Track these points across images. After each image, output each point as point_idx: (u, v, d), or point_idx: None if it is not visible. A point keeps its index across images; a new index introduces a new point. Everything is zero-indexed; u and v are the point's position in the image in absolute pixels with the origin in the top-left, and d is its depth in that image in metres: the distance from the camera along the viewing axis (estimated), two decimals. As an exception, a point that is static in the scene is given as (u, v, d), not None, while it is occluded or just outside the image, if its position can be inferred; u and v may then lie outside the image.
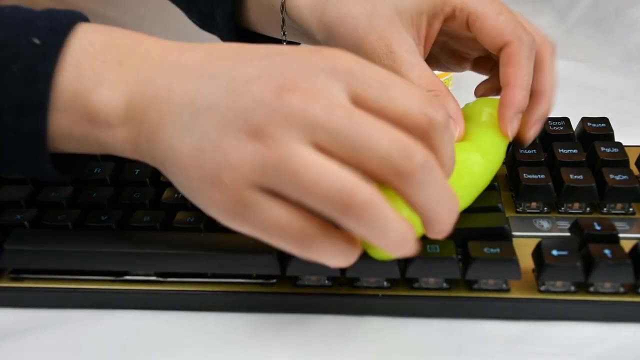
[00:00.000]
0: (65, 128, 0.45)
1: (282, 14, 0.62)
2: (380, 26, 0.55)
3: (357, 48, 0.55)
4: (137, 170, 0.56)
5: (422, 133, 0.40)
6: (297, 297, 0.49)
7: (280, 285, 0.49)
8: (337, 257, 0.41)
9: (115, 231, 0.52)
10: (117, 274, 0.50)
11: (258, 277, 0.49)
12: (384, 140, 0.39)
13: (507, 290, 0.48)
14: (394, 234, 0.39)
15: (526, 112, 0.55)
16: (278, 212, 0.40)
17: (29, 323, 0.49)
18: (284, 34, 0.64)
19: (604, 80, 0.84)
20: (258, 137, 0.39)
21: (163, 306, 0.50)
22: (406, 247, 0.40)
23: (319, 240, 0.40)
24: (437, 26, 0.56)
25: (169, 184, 0.55)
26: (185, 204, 0.53)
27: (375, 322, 0.48)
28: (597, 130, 0.61)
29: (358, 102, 0.40)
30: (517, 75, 0.53)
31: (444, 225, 0.41)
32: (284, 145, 0.39)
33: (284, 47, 0.44)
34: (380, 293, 0.48)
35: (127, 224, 0.52)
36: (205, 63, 0.43)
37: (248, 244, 0.49)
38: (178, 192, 0.53)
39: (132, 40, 0.46)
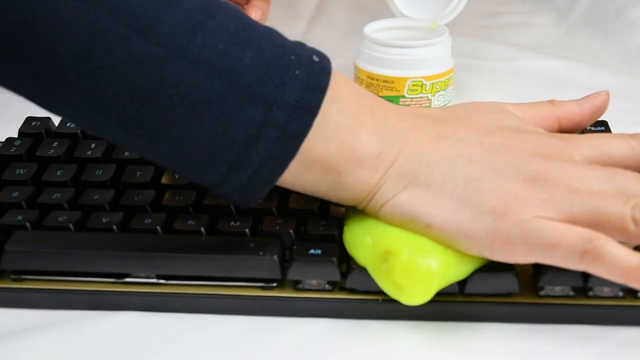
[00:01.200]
0: (324, 157, 0.47)
1: None
2: None
3: None
4: (139, 173, 0.56)
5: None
6: (297, 301, 0.49)
7: (281, 289, 0.49)
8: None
9: (116, 233, 0.52)
10: (118, 276, 0.50)
11: (258, 280, 0.49)
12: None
13: (507, 296, 0.48)
14: None
15: None
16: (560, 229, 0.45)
17: (30, 324, 0.49)
18: None
19: (604, 80, 0.84)
20: (536, 181, 0.46)
21: (164, 308, 0.50)
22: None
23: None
24: None
25: (170, 187, 0.55)
26: (186, 207, 0.53)
27: (375, 326, 0.49)
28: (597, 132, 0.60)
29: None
30: None
31: None
32: (564, 185, 0.46)
33: (513, 122, 0.52)
34: (381, 298, 0.48)
35: (128, 226, 0.52)
36: (439, 128, 0.50)
37: (249, 248, 0.49)
38: (179, 195, 0.54)
39: (373, 97, 0.50)
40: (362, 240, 0.48)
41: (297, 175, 0.47)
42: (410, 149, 0.48)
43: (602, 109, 0.56)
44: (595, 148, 0.49)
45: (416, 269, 0.45)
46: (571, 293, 0.48)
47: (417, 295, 0.46)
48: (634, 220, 0.44)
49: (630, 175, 0.47)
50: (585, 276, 0.47)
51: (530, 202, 0.45)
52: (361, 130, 0.47)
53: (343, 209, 0.53)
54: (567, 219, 0.45)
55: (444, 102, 0.75)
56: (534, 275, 0.49)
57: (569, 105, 0.55)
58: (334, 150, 0.47)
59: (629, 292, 0.48)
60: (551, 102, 0.56)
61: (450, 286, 0.47)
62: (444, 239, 0.47)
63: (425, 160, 0.48)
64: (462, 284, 0.48)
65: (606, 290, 0.48)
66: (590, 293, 0.48)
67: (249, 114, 0.45)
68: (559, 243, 0.44)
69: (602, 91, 0.56)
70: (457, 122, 0.50)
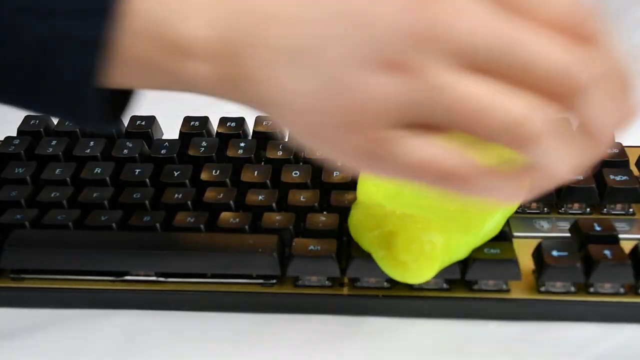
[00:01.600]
0: (140, 55, 0.38)
1: None
2: None
3: None
4: (138, 171, 0.56)
5: (586, 34, 0.35)
6: (297, 297, 0.49)
7: (281, 285, 0.49)
8: (502, 192, 0.37)
9: (116, 231, 0.52)
10: (118, 274, 0.50)
11: (258, 277, 0.49)
12: (552, 53, 0.34)
13: (507, 291, 0.48)
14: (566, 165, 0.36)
15: None
16: (428, 149, 0.35)
17: (29, 323, 0.49)
18: None
19: (604, 80, 0.84)
20: (398, 68, 0.34)
21: (163, 306, 0.50)
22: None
23: (476, 177, 0.36)
24: None
25: (169, 184, 0.55)
26: (185, 204, 0.53)
27: (375, 323, 0.48)
28: (597, 131, 0.60)
29: (505, 8, 0.34)
30: None
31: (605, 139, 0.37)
32: (434, 74, 0.34)
33: None
34: (381, 294, 0.48)
35: (128, 224, 0.52)
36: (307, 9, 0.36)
37: (248, 244, 0.49)
38: (178, 192, 0.54)
39: None
40: (367, 225, 0.48)
41: (128, 84, 0.40)
42: (266, 27, 0.37)
43: None
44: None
45: (419, 243, 0.45)
46: (572, 289, 0.48)
47: (421, 271, 0.45)
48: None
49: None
50: (587, 272, 0.47)
51: (382, 100, 0.35)
52: (192, 16, 0.38)
53: (346, 198, 0.52)
54: (428, 114, 0.35)
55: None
56: (535, 271, 0.49)
57: None
58: (158, 44, 0.38)
59: (631, 289, 0.48)
60: None
61: (453, 272, 0.47)
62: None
63: (279, 44, 0.37)
64: (463, 271, 0.48)
65: (607, 287, 0.48)
66: (592, 289, 0.48)
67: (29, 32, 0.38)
68: (422, 166, 0.36)
69: None
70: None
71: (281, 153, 0.57)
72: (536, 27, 0.34)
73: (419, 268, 0.45)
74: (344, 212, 0.52)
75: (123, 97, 0.43)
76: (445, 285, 0.49)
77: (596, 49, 0.35)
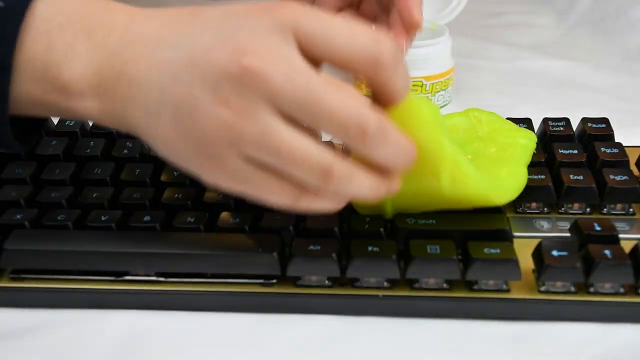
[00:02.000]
0: (34, 96, 0.46)
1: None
2: None
3: None
4: (138, 170, 0.56)
5: (372, 72, 0.43)
6: (297, 297, 0.49)
7: (281, 285, 0.49)
8: (328, 206, 0.45)
9: (116, 231, 0.52)
10: (117, 274, 0.50)
11: (258, 277, 0.49)
12: (341, 110, 0.42)
13: (508, 291, 0.48)
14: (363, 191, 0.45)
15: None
16: (268, 179, 0.43)
17: (29, 323, 0.49)
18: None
19: (604, 80, 0.84)
20: (229, 106, 0.41)
21: (163, 306, 0.50)
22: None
23: (311, 197, 0.44)
24: None
25: (169, 184, 0.55)
26: (185, 204, 0.53)
27: (375, 323, 0.48)
28: (597, 131, 0.60)
29: (307, 52, 0.42)
30: None
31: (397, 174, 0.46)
32: (259, 118, 0.41)
33: (236, 7, 0.44)
34: (381, 293, 0.48)
35: (127, 224, 0.52)
36: (166, 31, 0.45)
37: (248, 244, 0.49)
38: (178, 192, 0.54)
39: (99, 9, 0.46)
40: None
41: (31, 115, 0.48)
42: (131, 67, 0.44)
43: None
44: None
45: None
46: (572, 289, 0.48)
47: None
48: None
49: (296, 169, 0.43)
50: (587, 272, 0.47)
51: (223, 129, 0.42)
52: (73, 61, 0.45)
53: None
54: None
55: (444, 102, 0.75)
56: (535, 271, 0.49)
57: None
58: (48, 87, 0.46)
59: (631, 289, 0.48)
60: None
61: (453, 272, 0.47)
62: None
63: (141, 83, 0.44)
64: (463, 271, 0.48)
65: (607, 287, 0.48)
66: (592, 289, 0.48)
67: None
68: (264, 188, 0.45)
69: None
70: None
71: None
72: (333, 84, 0.42)
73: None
74: (344, 211, 0.52)
75: (33, 121, 0.50)
76: (445, 285, 0.49)
77: (380, 80, 0.44)
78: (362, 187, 0.44)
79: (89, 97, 0.45)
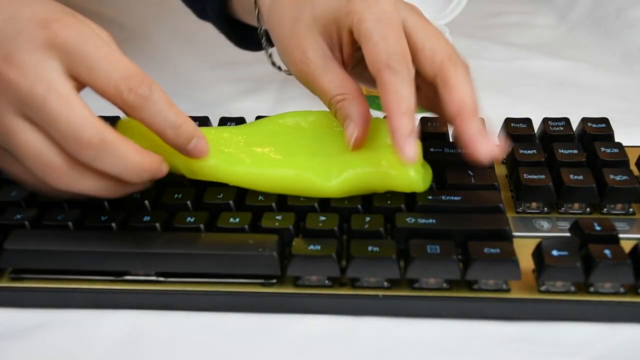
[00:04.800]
0: None
1: (255, 10, 0.64)
2: (299, 32, 0.57)
3: (283, 52, 0.58)
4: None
5: (127, 106, 0.48)
6: (297, 297, 0.49)
7: (281, 285, 0.49)
8: (95, 189, 0.49)
9: (116, 231, 0.52)
10: (117, 274, 0.50)
11: (258, 277, 0.49)
12: (84, 126, 0.46)
13: (507, 291, 0.48)
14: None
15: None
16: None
17: (29, 323, 0.49)
18: (260, 29, 0.66)
19: (604, 80, 0.84)
20: None
21: (163, 306, 0.50)
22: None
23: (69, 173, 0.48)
24: (346, 37, 0.56)
25: (169, 184, 0.55)
26: (185, 204, 0.53)
27: (375, 322, 0.48)
28: (597, 131, 0.60)
29: (72, 75, 0.47)
30: (391, 103, 0.51)
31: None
32: (6, 119, 0.47)
33: (25, 13, 0.48)
34: (381, 293, 0.48)
35: (128, 224, 0.52)
36: None
37: (248, 244, 0.49)
38: (178, 193, 0.54)
39: None
40: None
41: None
42: None
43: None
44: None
45: None
46: (572, 289, 0.48)
47: None
48: None
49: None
50: (587, 272, 0.47)
51: None
52: None
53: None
54: None
55: (444, 101, 0.75)
56: (535, 270, 0.49)
57: None
58: None
59: (631, 289, 0.48)
60: None
61: (453, 272, 0.48)
62: None
63: None
64: (463, 271, 0.48)
65: (607, 286, 0.48)
66: (592, 289, 0.48)
67: None
68: None
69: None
70: None
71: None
72: (79, 105, 0.47)
73: None
74: (345, 212, 0.52)
75: None
76: (445, 285, 0.49)
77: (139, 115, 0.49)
78: (88, 186, 0.49)
79: None
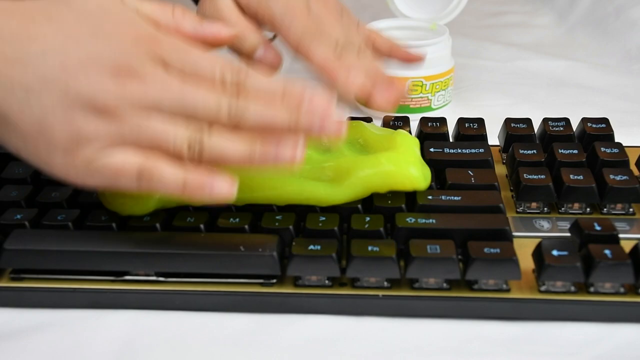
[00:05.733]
0: None
1: None
2: None
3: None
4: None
5: (232, 87, 0.47)
6: (297, 297, 0.49)
7: (281, 285, 0.49)
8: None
9: (116, 231, 0.52)
10: (117, 274, 0.50)
11: (258, 277, 0.49)
12: (208, 100, 0.46)
13: (508, 291, 0.48)
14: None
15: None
16: (118, 160, 0.46)
17: (29, 323, 0.49)
18: None
19: (604, 80, 0.84)
20: (107, 115, 0.46)
21: (163, 306, 0.50)
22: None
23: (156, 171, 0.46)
24: None
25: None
26: (185, 205, 0.53)
27: (375, 322, 0.48)
28: (597, 131, 0.61)
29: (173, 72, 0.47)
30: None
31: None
32: (133, 120, 0.46)
33: (109, 26, 0.48)
34: (381, 293, 0.48)
35: (127, 224, 0.52)
36: (31, 32, 0.47)
37: (248, 244, 0.49)
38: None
39: None
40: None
41: None
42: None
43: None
44: (180, 96, 0.47)
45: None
46: (572, 289, 0.48)
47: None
48: (189, 150, 0.46)
49: (204, 105, 0.47)
50: (587, 272, 0.47)
51: (97, 137, 0.46)
52: None
53: None
54: (132, 145, 0.46)
55: (444, 102, 0.75)
56: (535, 270, 0.49)
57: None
58: None
59: (631, 289, 0.48)
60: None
61: (453, 272, 0.48)
62: (37, 166, 0.48)
63: (1, 79, 0.46)
64: (463, 271, 0.48)
65: (607, 286, 0.48)
66: (592, 289, 0.48)
67: None
68: (118, 173, 0.46)
69: None
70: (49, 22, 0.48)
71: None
72: (199, 85, 0.47)
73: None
74: (345, 212, 0.52)
75: None
76: (445, 285, 0.49)
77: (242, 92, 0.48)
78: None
79: None
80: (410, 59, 0.70)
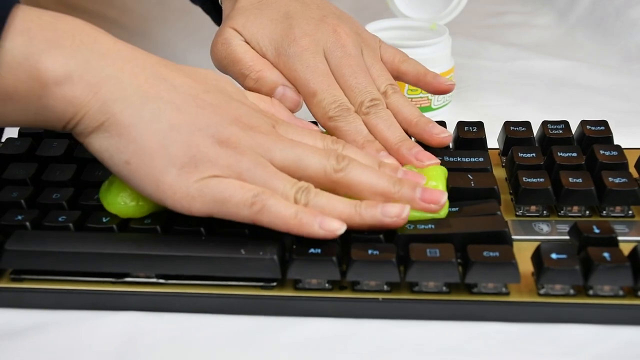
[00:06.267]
0: (10, 87, 0.47)
1: None
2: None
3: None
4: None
5: (334, 151, 0.53)
6: (297, 300, 0.49)
7: (281, 288, 0.49)
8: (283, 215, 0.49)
9: (116, 233, 0.52)
10: (118, 276, 0.50)
11: (259, 280, 0.49)
12: (317, 159, 0.51)
13: (507, 294, 0.48)
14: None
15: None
16: (234, 186, 0.49)
17: (29, 323, 0.49)
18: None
19: (604, 80, 0.84)
20: (229, 146, 0.50)
21: (163, 308, 0.50)
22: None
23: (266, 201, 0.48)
24: None
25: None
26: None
27: (375, 326, 0.49)
28: (596, 134, 0.61)
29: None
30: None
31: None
32: (252, 155, 0.50)
33: (234, 91, 0.55)
34: (381, 297, 0.49)
35: (128, 225, 0.52)
36: (160, 68, 0.52)
37: (249, 247, 0.49)
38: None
39: (78, 23, 0.50)
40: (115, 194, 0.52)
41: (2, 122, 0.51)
42: (121, 77, 0.50)
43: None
44: (293, 150, 0.52)
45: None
46: (571, 291, 0.48)
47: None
48: (295, 200, 0.49)
49: (313, 159, 0.51)
50: (586, 275, 0.47)
51: (216, 163, 0.49)
52: (56, 53, 0.48)
53: None
54: (245, 181, 0.49)
55: (444, 102, 0.75)
56: (535, 274, 0.49)
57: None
58: (25, 77, 0.47)
59: (630, 291, 0.48)
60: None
61: (452, 275, 0.48)
62: (137, 180, 0.50)
63: (135, 94, 0.50)
64: (463, 274, 0.48)
65: (606, 289, 0.48)
66: (591, 292, 0.48)
67: None
68: (231, 197, 0.48)
69: None
70: (181, 71, 0.53)
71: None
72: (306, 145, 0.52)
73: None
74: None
75: None
76: (445, 289, 0.49)
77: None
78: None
79: (66, 83, 0.48)
80: (439, 91, 0.65)
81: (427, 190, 0.52)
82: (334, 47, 0.62)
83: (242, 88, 0.59)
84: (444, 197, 0.51)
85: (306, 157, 0.51)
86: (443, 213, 0.52)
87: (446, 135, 0.59)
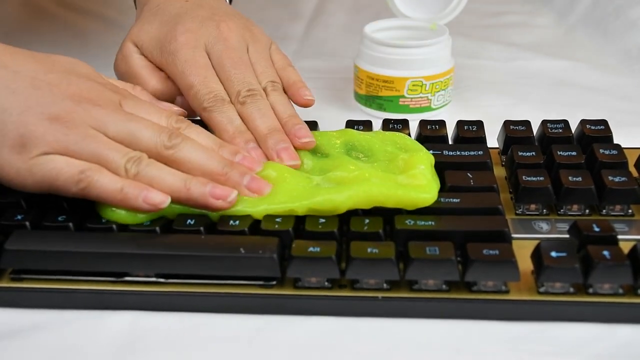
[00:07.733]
0: None
1: None
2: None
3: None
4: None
5: (173, 128, 0.55)
6: (297, 298, 0.49)
7: (280, 286, 0.49)
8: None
9: (116, 232, 0.52)
10: (118, 275, 0.50)
11: (258, 278, 0.49)
12: (149, 131, 0.53)
13: (507, 292, 0.48)
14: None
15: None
16: (61, 163, 0.51)
17: (29, 323, 0.49)
18: None
19: (604, 80, 0.84)
20: (58, 121, 0.51)
21: (163, 307, 0.50)
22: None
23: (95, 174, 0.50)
24: None
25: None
26: (180, 213, 0.53)
27: (375, 324, 0.49)
28: (596, 133, 0.61)
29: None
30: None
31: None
32: (82, 128, 0.51)
33: (88, 72, 0.56)
34: (380, 295, 0.49)
35: (128, 225, 0.52)
36: (3, 57, 0.54)
37: (248, 246, 0.49)
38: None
39: None
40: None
41: None
42: None
43: None
44: (128, 124, 0.53)
45: None
46: (571, 290, 0.48)
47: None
48: (126, 170, 0.51)
49: (145, 134, 0.53)
50: (586, 273, 0.47)
51: (43, 140, 0.50)
52: None
53: None
54: (74, 156, 0.51)
55: (443, 102, 0.75)
56: (534, 272, 0.49)
57: None
58: None
59: (629, 290, 0.48)
60: None
61: (452, 273, 0.48)
62: None
63: None
64: (462, 273, 0.48)
65: (606, 287, 0.48)
66: (590, 290, 0.48)
67: None
68: (58, 175, 0.50)
69: None
70: (30, 57, 0.55)
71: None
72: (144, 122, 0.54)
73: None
74: (344, 214, 0.52)
75: None
76: (444, 287, 0.49)
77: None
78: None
79: None
80: (298, 104, 0.64)
81: (256, 179, 0.53)
82: (215, 41, 0.63)
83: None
84: (268, 189, 0.53)
85: (138, 132, 0.52)
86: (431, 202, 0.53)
87: (307, 141, 0.59)
